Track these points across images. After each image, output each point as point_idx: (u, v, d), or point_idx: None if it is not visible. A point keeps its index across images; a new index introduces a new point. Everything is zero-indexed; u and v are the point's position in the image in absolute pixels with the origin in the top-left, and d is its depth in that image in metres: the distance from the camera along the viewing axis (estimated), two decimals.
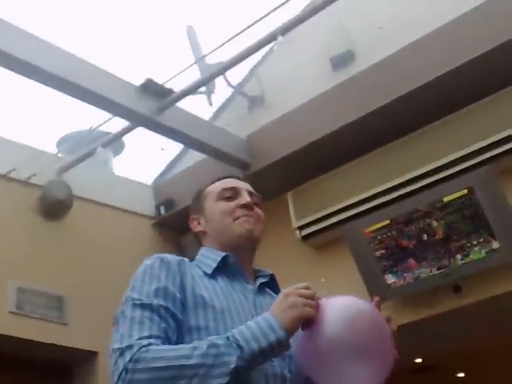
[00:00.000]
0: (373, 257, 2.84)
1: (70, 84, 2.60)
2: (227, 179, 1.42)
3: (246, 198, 1.36)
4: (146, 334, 1.10)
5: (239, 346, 1.05)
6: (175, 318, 1.15)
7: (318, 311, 1.11)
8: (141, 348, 1.07)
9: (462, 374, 5.69)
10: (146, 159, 4.15)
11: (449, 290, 2.72)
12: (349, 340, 1.07)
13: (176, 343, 1.13)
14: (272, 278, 1.38)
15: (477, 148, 2.64)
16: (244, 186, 1.41)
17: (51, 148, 3.62)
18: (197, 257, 1.35)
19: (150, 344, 1.08)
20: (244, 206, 1.34)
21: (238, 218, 1.33)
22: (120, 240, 3.43)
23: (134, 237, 3.51)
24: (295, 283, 3.47)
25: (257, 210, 1.37)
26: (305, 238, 3.15)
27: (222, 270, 1.29)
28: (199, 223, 1.39)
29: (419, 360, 4.96)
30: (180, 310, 1.17)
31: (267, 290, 1.36)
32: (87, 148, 3.20)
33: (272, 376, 1.15)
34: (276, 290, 1.36)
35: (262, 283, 1.35)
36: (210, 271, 1.28)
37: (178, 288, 1.19)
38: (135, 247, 3.40)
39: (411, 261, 2.75)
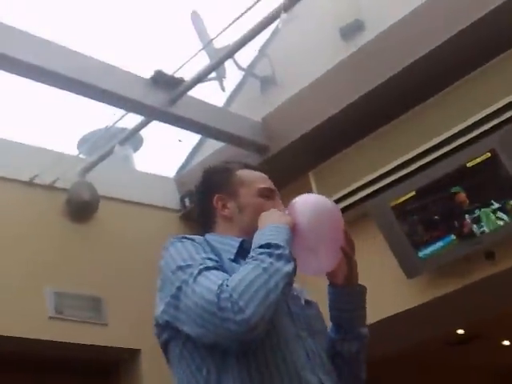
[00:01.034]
0: (401, 230, 2.79)
1: (81, 84, 2.61)
2: (263, 175, 1.43)
3: (280, 205, 1.38)
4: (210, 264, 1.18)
5: (282, 245, 1.19)
6: (219, 265, 1.20)
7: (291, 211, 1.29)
8: (226, 287, 1.12)
9: (507, 342, 5.58)
10: (165, 152, 4.16)
11: (481, 257, 2.65)
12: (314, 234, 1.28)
13: None
14: None
15: (496, 108, 2.55)
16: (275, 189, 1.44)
17: (72, 150, 3.67)
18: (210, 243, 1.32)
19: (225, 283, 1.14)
20: None
21: None
22: (149, 235, 3.44)
23: (163, 231, 3.52)
24: None
25: None
26: None
27: (241, 255, 1.28)
28: (226, 206, 1.35)
29: (461, 331, 4.89)
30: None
31: None
32: (106, 147, 3.22)
33: (310, 351, 1.23)
34: None
35: None
36: (231, 256, 1.27)
37: (215, 260, 1.21)
38: (164, 241, 3.41)
39: (440, 231, 2.69)
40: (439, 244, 2.69)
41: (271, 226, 1.23)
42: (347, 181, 3.02)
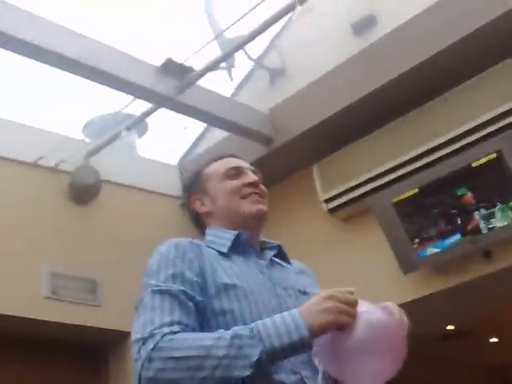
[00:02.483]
0: (401, 227, 2.82)
1: (92, 69, 2.61)
2: (227, 159, 1.42)
3: (251, 177, 1.38)
4: (167, 320, 1.10)
5: (261, 339, 1.04)
6: (194, 301, 1.16)
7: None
8: (163, 336, 1.07)
9: (495, 339, 5.68)
10: (170, 140, 4.16)
11: (479, 256, 2.69)
12: (370, 347, 1.08)
13: (202, 328, 1.14)
14: (280, 248, 1.39)
15: (504, 110, 2.58)
16: (245, 164, 1.42)
17: (77, 134, 3.67)
18: (207, 238, 1.34)
19: (172, 332, 1.08)
20: (250, 185, 1.36)
21: (246, 196, 1.35)
22: (149, 221, 3.47)
23: (163, 217, 3.55)
24: (323, 257, 3.46)
25: (261, 186, 1.39)
26: (332, 210, 3.14)
27: (235, 248, 1.30)
28: (203, 203, 1.38)
29: (451, 327, 4.97)
30: (199, 293, 1.17)
31: (276, 260, 1.37)
32: (112, 132, 3.23)
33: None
34: (285, 259, 1.38)
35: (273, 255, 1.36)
36: (225, 250, 1.28)
37: (196, 273, 1.19)
38: (165, 228, 3.44)
39: (441, 229, 2.72)
40: (438, 242, 2.73)
41: (297, 317, 1.06)
42: (350, 175, 3.05)
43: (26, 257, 2.98)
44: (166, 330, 1.09)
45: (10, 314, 2.79)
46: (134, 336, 1.12)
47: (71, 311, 3.02)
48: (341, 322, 1.06)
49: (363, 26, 3.28)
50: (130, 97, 2.98)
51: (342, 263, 3.12)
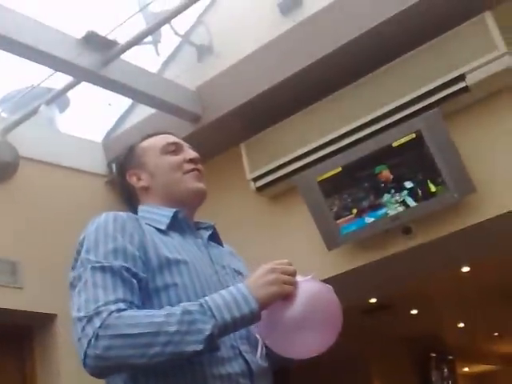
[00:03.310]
0: (325, 205, 2.89)
1: (9, 41, 2.48)
2: (165, 135, 1.40)
3: (192, 153, 1.37)
4: (112, 297, 1.09)
5: (212, 314, 1.05)
6: (138, 278, 1.14)
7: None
8: (111, 313, 1.06)
9: (415, 311, 5.97)
10: (94, 116, 4.03)
11: (399, 232, 2.80)
12: (307, 317, 1.12)
13: (143, 304, 1.12)
14: (214, 229, 1.38)
15: (423, 92, 2.67)
16: (183, 142, 1.41)
17: None
18: (141, 214, 1.31)
19: (119, 309, 1.07)
20: (191, 161, 1.35)
21: (187, 171, 1.34)
22: (73, 200, 3.36)
23: (87, 196, 3.45)
24: (252, 234, 3.50)
25: (200, 165, 1.38)
26: (259, 189, 3.17)
27: (173, 226, 1.28)
28: (140, 178, 1.35)
29: (374, 300, 5.17)
30: (142, 269, 1.15)
31: (210, 241, 1.36)
32: (30, 106, 3.08)
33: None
34: (217, 240, 1.38)
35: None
36: (163, 227, 1.26)
37: (137, 247, 1.17)
38: (89, 206, 3.33)
39: (362, 206, 2.81)
40: (360, 219, 2.81)
41: (244, 291, 1.09)
42: (277, 154, 3.08)
43: None
44: (112, 307, 1.07)
45: None
46: (76, 314, 1.09)
47: None
48: (286, 292, 1.11)
49: (290, 6, 3.28)
50: (50, 70, 2.85)
51: (270, 241, 3.17)
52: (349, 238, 2.89)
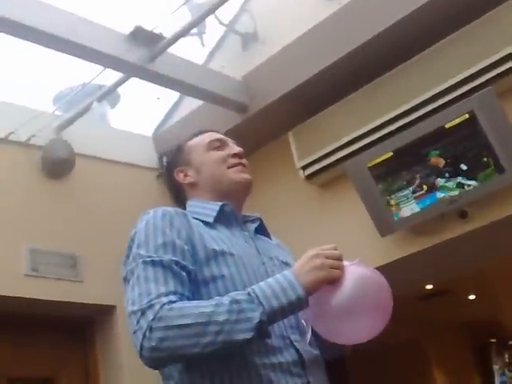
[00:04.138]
0: (377, 191, 2.84)
1: (61, 40, 2.55)
2: (209, 132, 1.45)
3: (236, 148, 1.42)
4: (163, 290, 1.12)
5: (260, 302, 1.07)
6: (187, 270, 1.17)
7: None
8: (163, 306, 1.09)
9: (472, 296, 5.82)
10: (143, 110, 4.10)
11: (455, 216, 2.73)
12: (356, 301, 1.11)
13: (193, 296, 1.15)
14: (261, 221, 1.41)
15: (475, 71, 2.58)
16: (228, 138, 1.45)
17: (48, 107, 3.59)
18: (189, 209, 1.35)
19: (170, 301, 1.10)
20: (236, 155, 1.39)
21: (232, 166, 1.37)
22: (127, 194, 3.44)
23: (141, 189, 3.53)
24: (302, 224, 3.48)
25: (244, 159, 1.41)
26: (309, 177, 3.15)
27: (219, 219, 1.31)
28: (187, 175, 1.40)
29: (430, 286, 5.08)
30: (190, 261, 1.18)
31: (257, 233, 1.39)
32: (83, 104, 3.17)
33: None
34: (265, 232, 1.40)
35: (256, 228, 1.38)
36: (210, 220, 1.30)
37: (185, 241, 1.20)
38: (143, 199, 3.41)
39: (416, 191, 2.75)
40: (414, 204, 2.75)
41: (290, 278, 1.10)
42: (326, 141, 3.05)
43: (3, 235, 2.93)
44: (164, 299, 1.10)
45: None
46: (131, 308, 1.13)
47: (53, 288, 2.99)
48: (332, 276, 1.11)
49: None
50: (100, 67, 2.92)
51: (321, 229, 3.15)
52: (402, 224, 2.83)
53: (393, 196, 2.81)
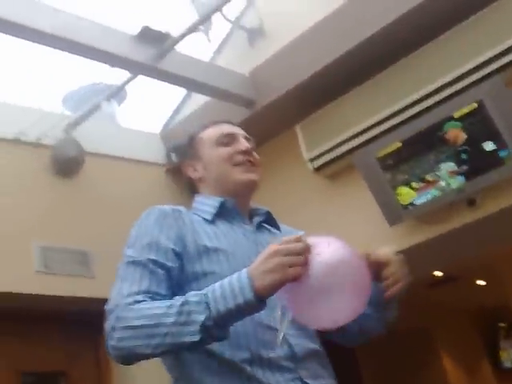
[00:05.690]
0: (386, 181, 2.86)
1: (69, 41, 2.57)
2: (222, 125, 1.42)
3: (244, 144, 1.38)
4: (134, 290, 1.16)
5: (207, 306, 1.05)
6: (166, 268, 1.19)
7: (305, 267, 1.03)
8: (126, 306, 1.13)
9: (482, 282, 5.84)
10: (151, 108, 4.12)
11: (463, 204, 2.74)
12: (325, 288, 1.06)
13: (183, 292, 1.15)
14: (269, 214, 1.41)
15: (483, 60, 2.58)
16: (240, 131, 1.43)
17: (57, 107, 3.62)
18: (194, 205, 1.37)
19: (135, 301, 1.13)
20: (243, 152, 1.37)
21: (237, 164, 1.36)
22: (136, 190, 3.47)
23: (149, 186, 3.56)
24: (312, 215, 3.49)
25: (254, 154, 1.40)
26: (317, 169, 3.17)
27: (221, 214, 1.32)
28: (195, 169, 1.40)
29: (439, 273, 5.10)
30: (173, 259, 1.20)
31: (266, 226, 1.39)
32: (92, 103, 3.19)
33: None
34: (274, 225, 1.40)
35: (261, 221, 1.38)
36: (209, 217, 1.31)
37: (173, 241, 1.22)
38: (151, 195, 3.44)
39: (424, 180, 2.76)
40: (422, 194, 2.77)
41: (243, 280, 1.05)
42: (333, 133, 3.06)
43: (15, 233, 2.97)
44: (129, 299, 1.14)
45: (2, 290, 2.80)
46: (106, 306, 1.19)
47: (65, 284, 3.04)
48: (287, 278, 1.03)
49: None
50: (108, 67, 2.93)
51: (330, 220, 3.17)
52: (411, 213, 2.85)
53: (401, 186, 2.83)
